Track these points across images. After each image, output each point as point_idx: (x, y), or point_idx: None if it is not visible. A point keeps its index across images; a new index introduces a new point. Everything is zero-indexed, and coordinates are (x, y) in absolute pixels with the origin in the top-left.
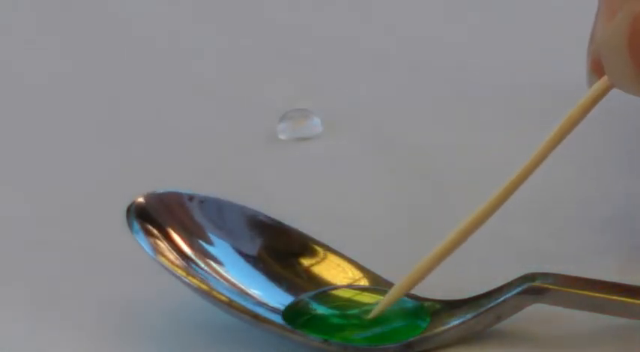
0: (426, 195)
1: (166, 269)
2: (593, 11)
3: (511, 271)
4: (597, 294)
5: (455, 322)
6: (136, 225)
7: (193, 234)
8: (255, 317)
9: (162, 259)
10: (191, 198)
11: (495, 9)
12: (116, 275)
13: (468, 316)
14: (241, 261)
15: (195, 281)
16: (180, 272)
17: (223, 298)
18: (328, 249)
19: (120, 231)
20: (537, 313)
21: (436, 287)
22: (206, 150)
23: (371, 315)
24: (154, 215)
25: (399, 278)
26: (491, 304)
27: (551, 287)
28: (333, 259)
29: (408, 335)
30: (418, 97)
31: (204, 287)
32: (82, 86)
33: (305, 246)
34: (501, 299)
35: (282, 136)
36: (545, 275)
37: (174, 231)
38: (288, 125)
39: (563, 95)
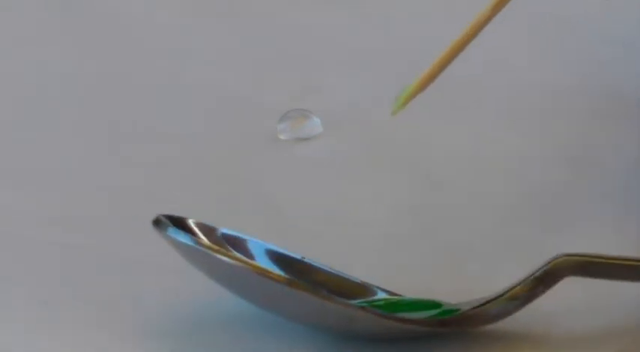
0: (426, 195)
1: (211, 254)
2: (592, 11)
3: (511, 271)
4: (632, 262)
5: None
6: (169, 227)
7: (222, 245)
8: (317, 293)
9: (205, 245)
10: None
11: None
12: (125, 277)
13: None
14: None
15: (247, 261)
16: (227, 254)
17: (281, 277)
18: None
19: (121, 231)
20: (539, 313)
21: (440, 289)
22: (206, 150)
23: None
24: (181, 224)
25: (399, 284)
26: (528, 278)
27: (586, 258)
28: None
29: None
30: (418, 97)
31: (257, 265)
32: (81, 86)
33: (329, 278)
34: (536, 274)
35: (282, 136)
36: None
37: (205, 237)
38: (288, 125)
39: (564, 95)
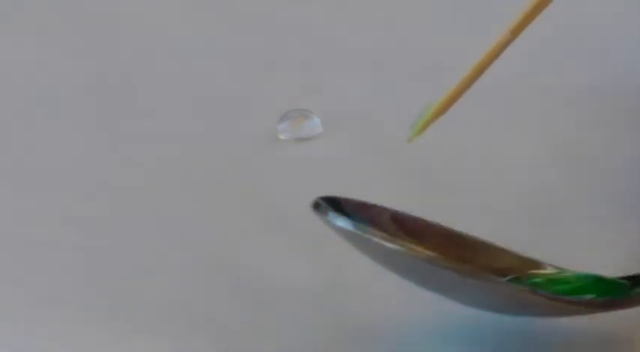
0: (425, 195)
1: (374, 240)
2: (592, 13)
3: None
4: None
5: None
6: (330, 211)
7: (376, 222)
8: (491, 279)
9: (368, 232)
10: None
11: (493, 9)
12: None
13: None
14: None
15: (423, 251)
16: (392, 240)
17: (452, 264)
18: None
19: (122, 231)
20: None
21: None
22: (206, 150)
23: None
24: (337, 205)
25: (399, 283)
26: None
27: None
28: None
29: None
30: (418, 97)
31: (425, 252)
32: (81, 86)
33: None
34: None
35: (282, 136)
36: None
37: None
38: (288, 125)
39: (563, 95)
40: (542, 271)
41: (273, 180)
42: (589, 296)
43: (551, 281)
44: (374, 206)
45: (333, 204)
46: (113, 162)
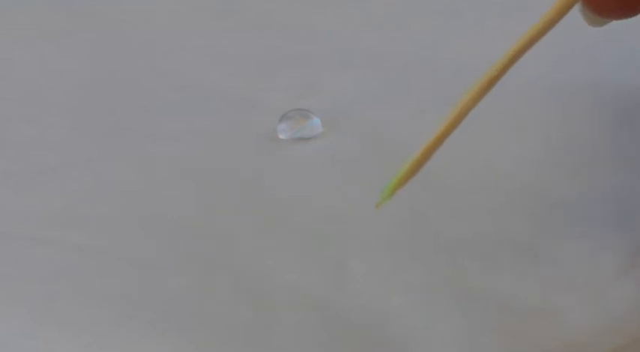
0: (426, 195)
1: None
2: None
3: (511, 271)
4: None
5: None
6: None
7: None
8: None
9: None
10: None
11: (494, 8)
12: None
13: None
14: None
15: None
16: None
17: None
18: None
19: (122, 231)
20: None
21: (440, 289)
22: (206, 150)
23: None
24: None
25: (399, 283)
26: None
27: None
28: None
29: None
30: (418, 97)
31: None
32: (81, 86)
33: None
34: None
35: (282, 136)
36: None
37: None
38: (288, 125)
39: (564, 97)
40: None
41: (273, 180)
42: None
43: None
44: None
45: None
46: (113, 161)
